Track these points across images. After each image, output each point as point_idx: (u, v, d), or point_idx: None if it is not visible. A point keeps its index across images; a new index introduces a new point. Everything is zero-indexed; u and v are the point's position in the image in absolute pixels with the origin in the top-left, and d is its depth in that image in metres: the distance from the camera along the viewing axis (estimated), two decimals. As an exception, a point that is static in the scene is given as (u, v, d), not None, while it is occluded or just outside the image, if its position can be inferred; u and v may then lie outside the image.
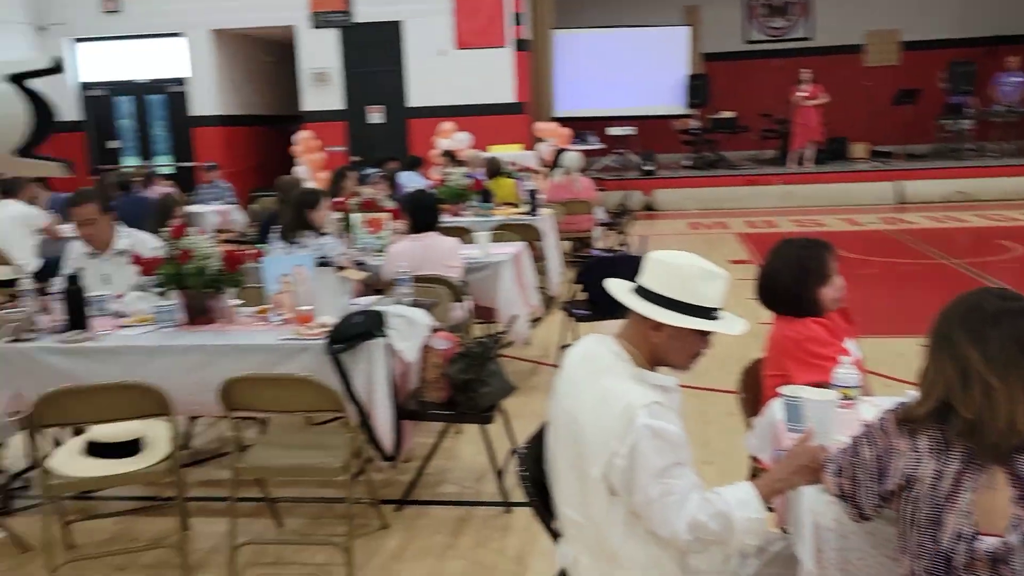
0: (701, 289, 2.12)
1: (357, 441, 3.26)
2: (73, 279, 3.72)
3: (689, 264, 2.14)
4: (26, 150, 0.76)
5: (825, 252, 2.70)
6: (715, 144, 15.05)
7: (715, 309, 2.13)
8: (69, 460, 3.17)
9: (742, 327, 2.15)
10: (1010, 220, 10.94)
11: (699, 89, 14.88)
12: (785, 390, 2.33)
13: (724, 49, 16.72)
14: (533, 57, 13.98)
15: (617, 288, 2.27)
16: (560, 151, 9.68)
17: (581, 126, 14.42)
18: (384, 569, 3.24)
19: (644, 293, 2.17)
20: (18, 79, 0.70)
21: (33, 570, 3.26)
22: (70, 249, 4.46)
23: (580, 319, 5.35)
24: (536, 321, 6.59)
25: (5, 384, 3.45)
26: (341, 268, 4.06)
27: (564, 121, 13.61)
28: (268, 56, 15.26)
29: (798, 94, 13.88)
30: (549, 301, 7.09)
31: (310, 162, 12.38)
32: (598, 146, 14.42)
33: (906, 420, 1.80)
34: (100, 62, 14.25)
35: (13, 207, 6.55)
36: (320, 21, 13.46)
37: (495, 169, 8.70)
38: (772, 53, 16.82)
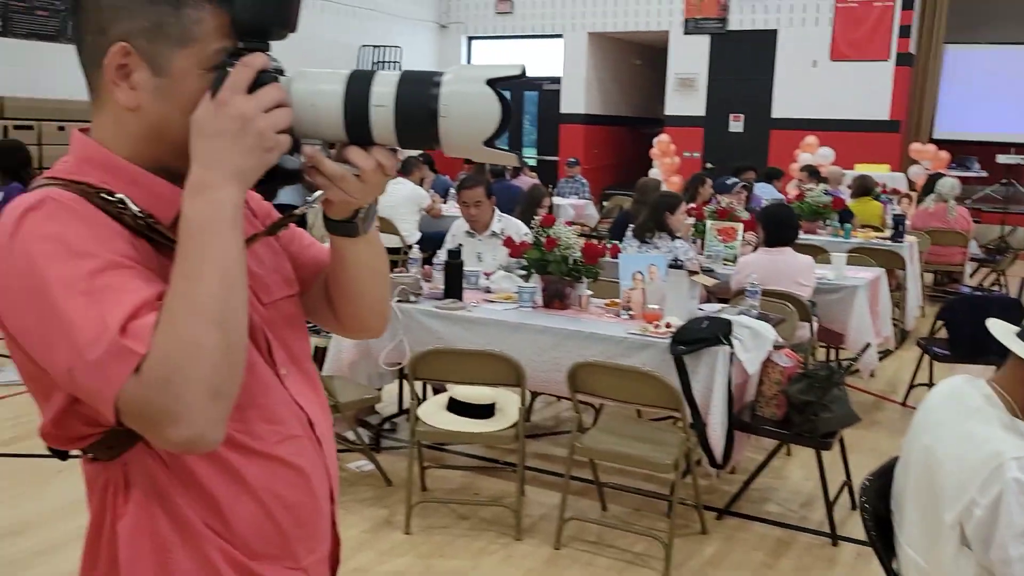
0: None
1: (689, 442, 3.34)
2: (455, 254, 4.19)
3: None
4: (490, 141, 0.93)
5: None
6: None
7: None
8: (434, 412, 3.59)
9: None
10: None
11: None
12: None
13: None
14: (916, 73, 13.03)
15: (1000, 329, 2.13)
16: (935, 176, 8.96)
17: (963, 150, 13.18)
18: (699, 573, 3.29)
19: (1030, 337, 2.02)
20: (492, 83, 0.85)
21: (393, 502, 3.74)
22: (455, 226, 5.00)
23: (938, 358, 4.98)
24: (885, 354, 6.23)
25: (389, 337, 3.98)
26: (693, 272, 4.15)
27: (943, 144, 12.54)
28: (636, 59, 15.72)
29: None
30: (903, 335, 6.66)
31: (664, 165, 12.60)
32: (980, 174, 13.12)
33: None
34: (488, 59, 15.62)
35: (405, 186, 7.43)
36: (693, 27, 13.61)
37: (865, 189, 8.28)
38: None
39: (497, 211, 5.01)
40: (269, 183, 1.00)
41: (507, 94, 0.99)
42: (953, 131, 13.45)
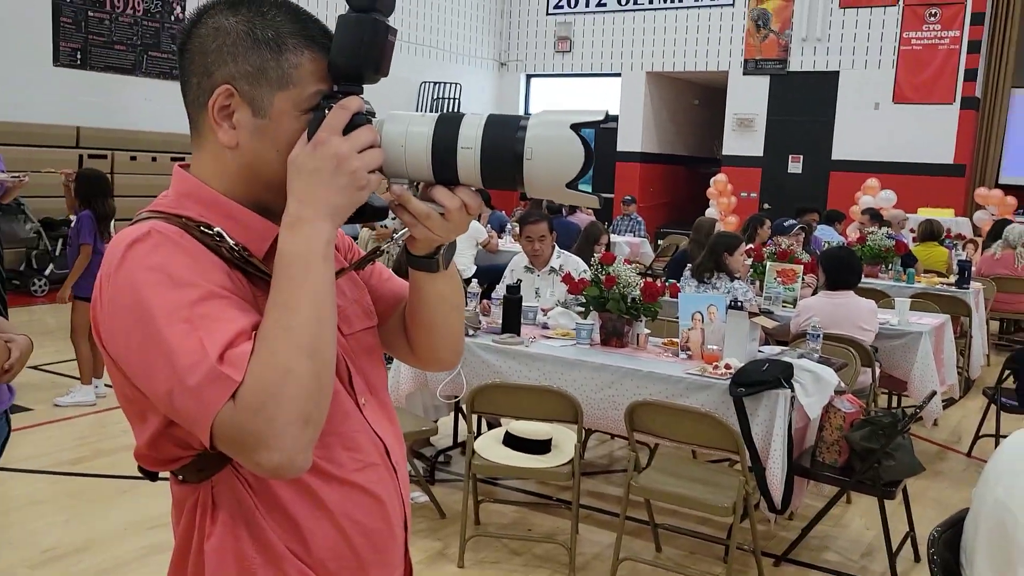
0: None
1: (748, 485, 3.30)
2: (514, 289, 4.23)
3: None
4: (573, 184, 0.95)
5: None
6: None
7: None
8: (490, 446, 3.61)
9: None
10: None
11: None
12: None
13: None
14: (982, 117, 12.83)
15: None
16: (1002, 222, 8.78)
17: (1030, 196, 12.90)
18: (755, 619, 3.23)
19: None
20: (576, 127, 0.87)
21: (447, 535, 3.75)
22: (514, 261, 5.05)
23: (1006, 409, 4.85)
24: (949, 402, 6.08)
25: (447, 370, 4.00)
26: (753, 314, 4.12)
27: (1009, 189, 12.29)
28: (695, 99, 15.75)
29: None
30: (967, 384, 6.51)
31: (721, 205, 12.55)
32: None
33: None
34: (546, 96, 15.77)
35: (463, 219, 7.52)
36: (753, 68, 13.61)
37: (931, 233, 8.16)
38: None
39: (557, 247, 5.04)
40: (359, 219, 1.04)
41: (591, 138, 1.03)
42: (1020, 176, 13.18)
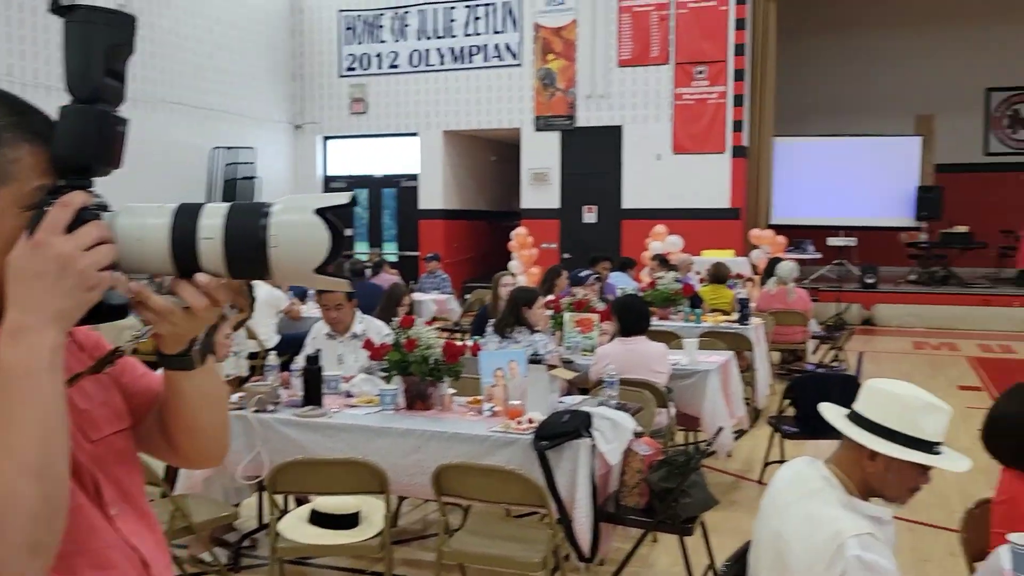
0: (922, 422, 2.08)
1: (556, 538, 3.34)
2: (313, 359, 4.12)
3: (910, 395, 2.12)
4: (322, 268, 0.94)
5: None
6: (946, 259, 14.23)
7: (937, 444, 2.09)
8: (295, 526, 3.46)
9: (966, 465, 2.09)
10: None
11: (930, 201, 14.21)
12: (1014, 537, 2.21)
13: (960, 160, 15.96)
14: (751, 164, 13.96)
15: (832, 414, 2.27)
16: (774, 260, 9.53)
17: (798, 234, 14.13)
18: (573, 671, 3.25)
19: (860, 420, 2.16)
20: (321, 212, 0.86)
21: (254, 624, 3.55)
22: (315, 329, 4.93)
23: (787, 436, 5.20)
24: (740, 433, 6.46)
25: (246, 449, 3.83)
26: (552, 366, 4.23)
27: (780, 228, 13.40)
28: (492, 155, 16.19)
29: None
30: (755, 414, 6.93)
31: (523, 257, 12.88)
32: (815, 255, 14.06)
33: None
34: (344, 157, 15.71)
35: (262, 288, 7.28)
36: (543, 124, 14.18)
37: (718, 277, 8.70)
38: (1016, 166, 15.85)
39: (358, 312, 4.97)
40: (93, 319, 0.98)
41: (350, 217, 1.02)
42: (788, 216, 14.42)
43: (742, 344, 6.84)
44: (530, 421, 3.70)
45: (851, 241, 14.03)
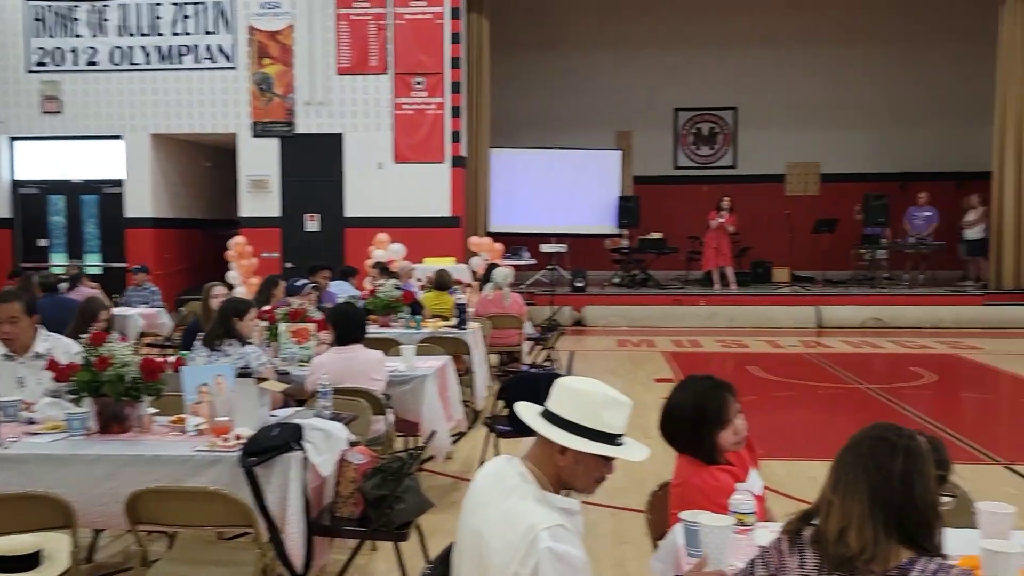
0: (606, 416, 2.21)
1: (266, 557, 3.21)
2: (-16, 383, 3.65)
3: (595, 391, 2.24)
4: None
5: (725, 396, 2.74)
6: (644, 263, 15.50)
7: (619, 435, 2.23)
8: (-39, 573, 3.05)
9: (644, 454, 2.24)
10: (921, 348, 11.42)
11: (629, 210, 15.43)
12: (684, 515, 2.41)
13: (654, 173, 17.46)
14: (470, 173, 14.39)
15: (526, 412, 2.36)
16: (491, 266, 9.86)
17: (515, 241, 14.76)
18: None
19: (551, 417, 2.26)
20: None
21: None
22: (-15, 351, 4.37)
23: (501, 435, 5.39)
24: (460, 436, 6.60)
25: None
26: (262, 379, 4.06)
27: (498, 236, 13.92)
28: (207, 161, 15.39)
29: (716, 219, 14.45)
30: (475, 415, 7.12)
31: (242, 267, 12.37)
32: (530, 261, 14.74)
33: (790, 522, 1.95)
34: (36, 160, 14.20)
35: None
36: (262, 130, 13.70)
37: (443, 283, 8.82)
38: (699, 179, 17.60)
39: (42, 330, 4.49)
40: None
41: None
42: (505, 224, 15.02)
43: (461, 348, 6.99)
44: (237, 437, 3.53)
45: (562, 247, 14.89)
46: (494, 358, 9.25)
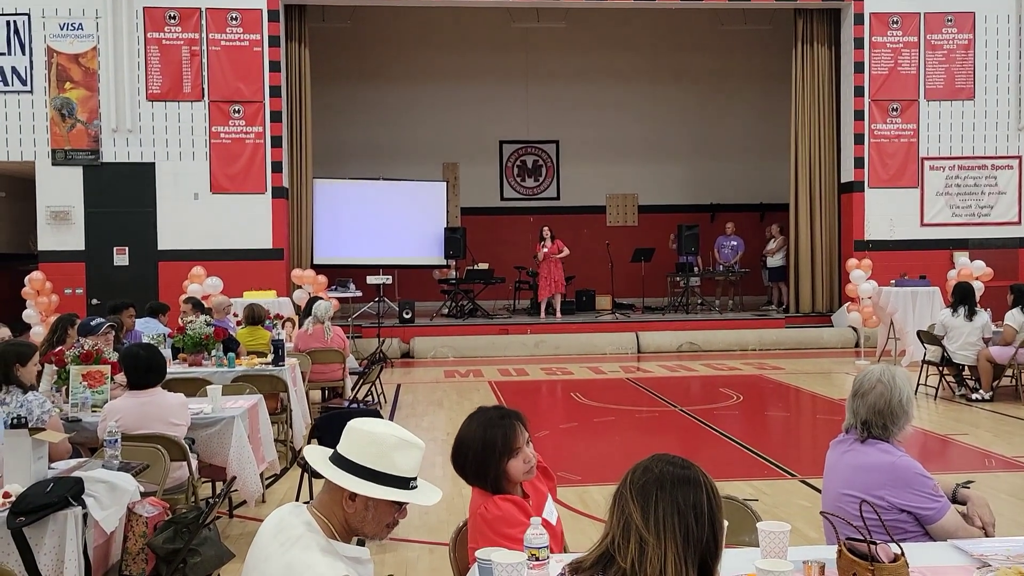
0: (397, 459, 2.15)
1: (37, 629, 2.90)
2: None
3: (385, 433, 2.17)
4: None
5: (513, 425, 2.72)
6: (472, 293, 15.58)
7: (411, 479, 2.16)
8: None
9: (436, 497, 2.19)
10: (731, 370, 12.03)
11: (456, 241, 15.49)
12: (480, 553, 2.37)
13: (481, 204, 17.67)
14: (293, 204, 14.02)
15: (316, 456, 2.26)
16: (312, 299, 9.60)
17: (341, 273, 14.50)
18: None
19: (341, 461, 2.17)
20: None
21: None
22: None
23: (315, 476, 5.18)
24: (275, 477, 6.33)
25: None
26: (38, 429, 3.71)
27: (323, 268, 13.62)
28: (1, 191, 14.24)
29: (541, 251, 14.75)
30: (294, 454, 6.86)
31: (40, 305, 11.47)
32: (357, 293, 14.50)
33: (577, 570, 1.90)
34: None
35: None
36: (63, 159, 12.82)
37: (254, 318, 8.48)
38: (525, 210, 17.95)
39: None
40: None
41: None
42: (330, 256, 14.74)
43: (277, 385, 6.74)
44: (6, 495, 3.20)
45: (388, 279, 14.74)
46: (316, 394, 9.00)
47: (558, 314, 14.98)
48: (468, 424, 2.75)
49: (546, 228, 14.91)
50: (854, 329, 13.37)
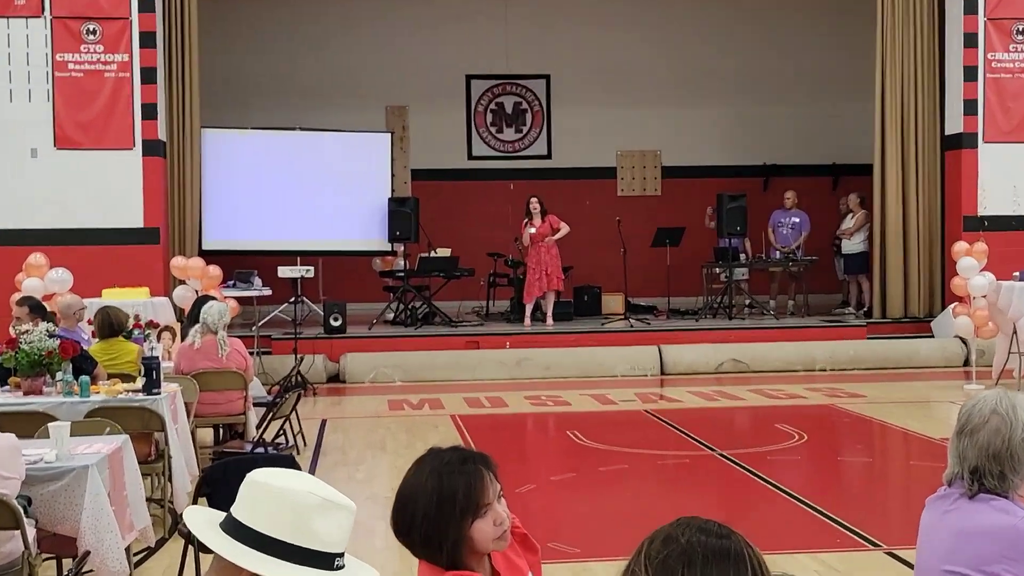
0: (317, 526, 2.15)
1: None
2: None
3: (301, 490, 2.17)
4: None
5: (479, 473, 2.69)
6: (427, 292, 15.56)
7: (336, 554, 2.16)
8: None
9: (370, 579, 2.19)
10: (791, 398, 12.11)
11: (405, 217, 15.43)
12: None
13: (440, 165, 17.69)
14: (172, 165, 13.95)
15: (200, 520, 2.27)
16: (201, 300, 9.57)
17: (241, 263, 14.42)
18: None
19: (238, 529, 2.18)
20: None
21: None
22: None
23: (204, 550, 5.17)
24: (148, 551, 6.32)
25: None
26: None
27: (216, 256, 13.57)
28: None
29: (528, 231, 14.72)
30: (175, 519, 6.84)
31: None
32: (264, 291, 14.40)
33: None
34: None
35: None
36: None
37: (111, 326, 8.43)
38: (503, 174, 17.97)
39: None
40: None
41: None
42: (226, 239, 14.71)
43: (151, 422, 6.74)
44: None
45: (309, 271, 14.65)
46: (207, 434, 8.96)
47: (550, 320, 15.02)
48: (417, 471, 2.72)
49: (534, 200, 14.89)
50: (962, 341, 13.50)
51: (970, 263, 12.46)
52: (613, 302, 16.19)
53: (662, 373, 13.85)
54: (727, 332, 14.77)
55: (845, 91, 17.35)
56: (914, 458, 9.31)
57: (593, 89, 17.89)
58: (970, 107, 14.40)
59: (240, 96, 16.48)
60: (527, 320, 15.02)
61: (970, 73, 14.39)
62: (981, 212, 14.41)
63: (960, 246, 12.89)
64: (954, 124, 14.69)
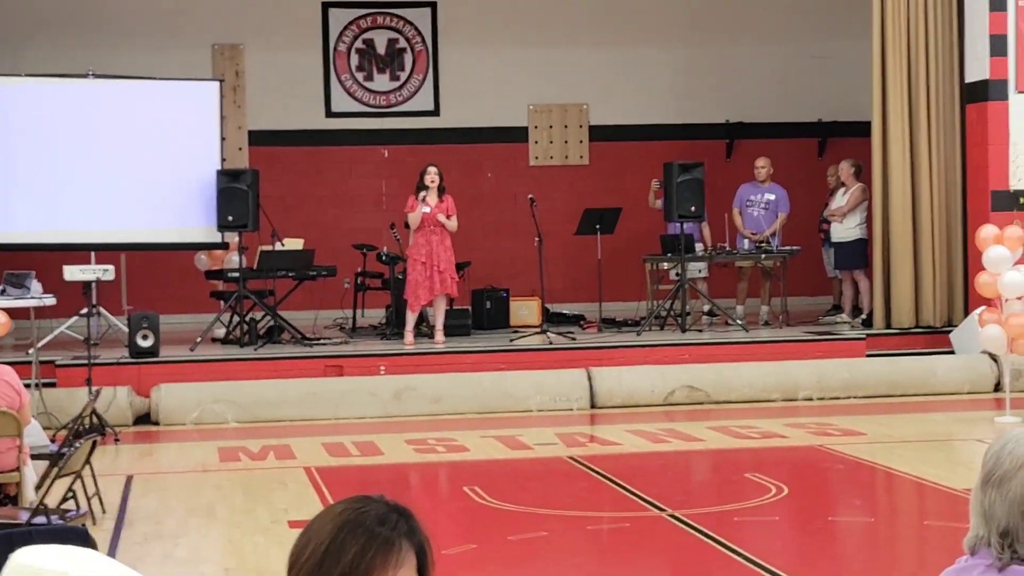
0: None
1: None
2: None
3: (66, 573, 2.20)
4: None
5: (391, 543, 2.70)
6: (271, 299, 15.48)
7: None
8: None
9: None
10: (766, 437, 12.22)
11: (240, 197, 15.31)
12: None
13: (288, 126, 17.64)
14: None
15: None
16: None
17: (10, 262, 14.28)
18: None
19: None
20: None
21: None
22: None
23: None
24: None
25: None
26: None
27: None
28: None
29: (415, 212, 14.64)
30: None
31: None
32: (45, 300, 14.24)
33: None
34: None
35: None
36: None
37: None
38: (372, 136, 17.96)
39: None
40: None
41: None
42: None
43: None
44: None
45: (108, 271, 14.50)
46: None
47: (440, 336, 15.03)
48: (335, 506, 2.76)
49: (432, 169, 14.66)
50: (992, 358, 13.72)
51: (1001, 254, 12.53)
52: (525, 310, 16.24)
53: (592, 406, 13.92)
54: (679, 349, 14.86)
55: (834, 26, 17.64)
56: (930, 516, 9.45)
57: (495, 21, 17.99)
58: (998, 45, 14.60)
59: (14, 32, 16.26)
60: (409, 336, 15.01)
61: (998, 4, 14.59)
62: (1014, 186, 14.59)
63: (987, 231, 12.96)
64: (977, 69, 14.91)
